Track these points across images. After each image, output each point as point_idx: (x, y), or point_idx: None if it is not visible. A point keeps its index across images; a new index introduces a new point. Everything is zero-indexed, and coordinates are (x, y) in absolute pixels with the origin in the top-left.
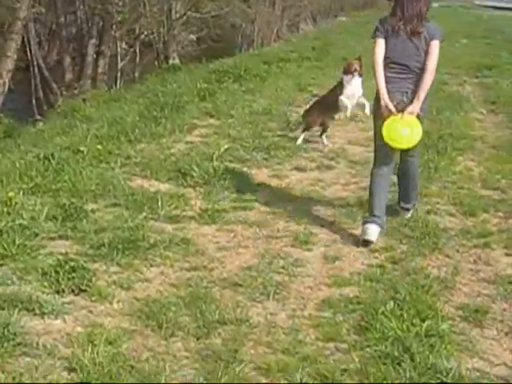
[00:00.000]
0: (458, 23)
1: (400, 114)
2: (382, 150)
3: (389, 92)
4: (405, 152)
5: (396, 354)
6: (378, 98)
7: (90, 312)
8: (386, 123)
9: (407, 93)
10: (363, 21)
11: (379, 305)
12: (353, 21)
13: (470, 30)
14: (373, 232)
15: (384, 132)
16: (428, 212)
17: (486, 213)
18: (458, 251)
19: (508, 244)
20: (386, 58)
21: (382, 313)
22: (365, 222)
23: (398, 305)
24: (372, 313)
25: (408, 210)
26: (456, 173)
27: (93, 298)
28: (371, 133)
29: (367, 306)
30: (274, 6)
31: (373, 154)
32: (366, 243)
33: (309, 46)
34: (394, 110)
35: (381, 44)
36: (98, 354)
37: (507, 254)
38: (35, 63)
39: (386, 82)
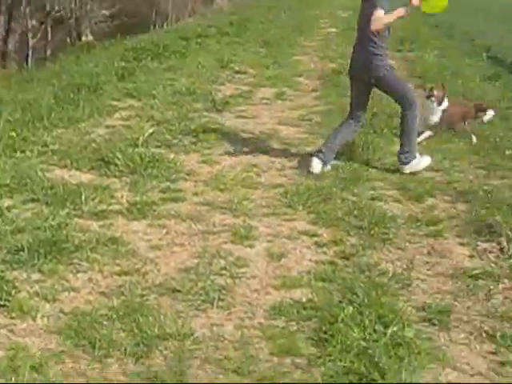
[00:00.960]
0: None
1: None
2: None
3: None
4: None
5: (363, 369)
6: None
7: (11, 331)
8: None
9: None
10: None
11: (337, 310)
12: None
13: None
14: (316, 165)
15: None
16: (373, 198)
17: (432, 197)
18: (409, 242)
19: (460, 232)
20: None
21: (342, 320)
22: (311, 155)
23: (357, 309)
24: (330, 320)
25: (401, 162)
26: (395, 154)
27: (13, 314)
28: (301, 111)
29: (324, 312)
30: None
31: (306, 136)
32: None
33: (226, 21)
34: None
35: None
36: None
37: (461, 244)
38: None
39: None
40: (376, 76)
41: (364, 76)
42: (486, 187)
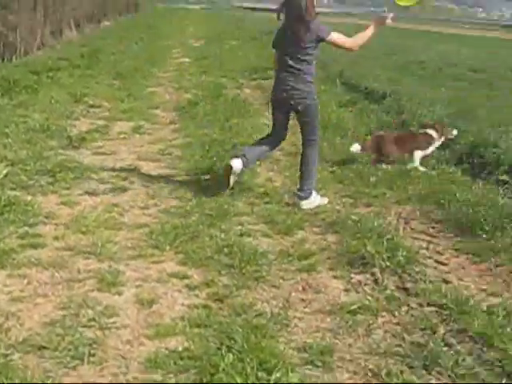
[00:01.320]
0: (227, 25)
1: None
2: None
3: None
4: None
5: None
6: None
7: None
8: None
9: None
10: (128, 25)
11: (216, 359)
12: (117, 26)
13: (238, 32)
14: (237, 164)
15: None
16: (241, 234)
17: (301, 230)
18: (283, 279)
19: (333, 264)
20: None
21: (222, 369)
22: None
23: (238, 356)
24: (210, 370)
25: (299, 197)
26: (260, 186)
27: None
28: (160, 145)
29: (202, 362)
30: (35, 11)
31: (167, 171)
32: (229, 167)
33: (77, 53)
34: None
35: None
36: None
37: (335, 277)
38: None
39: None
40: (305, 103)
41: (290, 101)
42: (353, 216)
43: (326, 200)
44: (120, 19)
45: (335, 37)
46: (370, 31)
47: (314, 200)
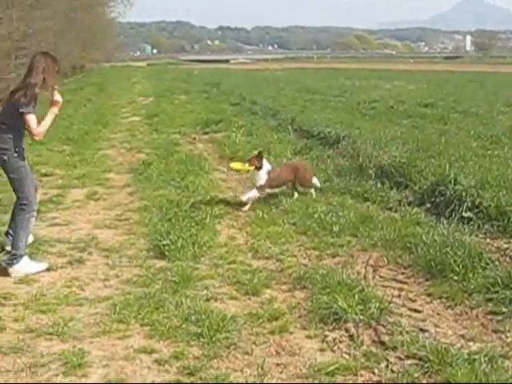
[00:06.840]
0: (174, 80)
1: None
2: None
3: None
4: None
5: None
6: None
7: None
8: None
9: None
10: (76, 87)
11: None
12: (64, 88)
13: (187, 86)
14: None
15: None
16: (208, 299)
17: (268, 288)
18: (255, 344)
19: (305, 323)
20: None
21: None
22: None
23: None
24: None
25: (7, 263)
26: (222, 245)
27: None
28: (116, 211)
29: None
30: None
31: (126, 238)
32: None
33: None
34: None
35: None
36: None
37: (308, 337)
38: None
39: None
40: (1, 159)
41: None
42: (321, 270)
43: (43, 266)
44: (67, 81)
45: (28, 118)
46: (49, 117)
47: (25, 267)
